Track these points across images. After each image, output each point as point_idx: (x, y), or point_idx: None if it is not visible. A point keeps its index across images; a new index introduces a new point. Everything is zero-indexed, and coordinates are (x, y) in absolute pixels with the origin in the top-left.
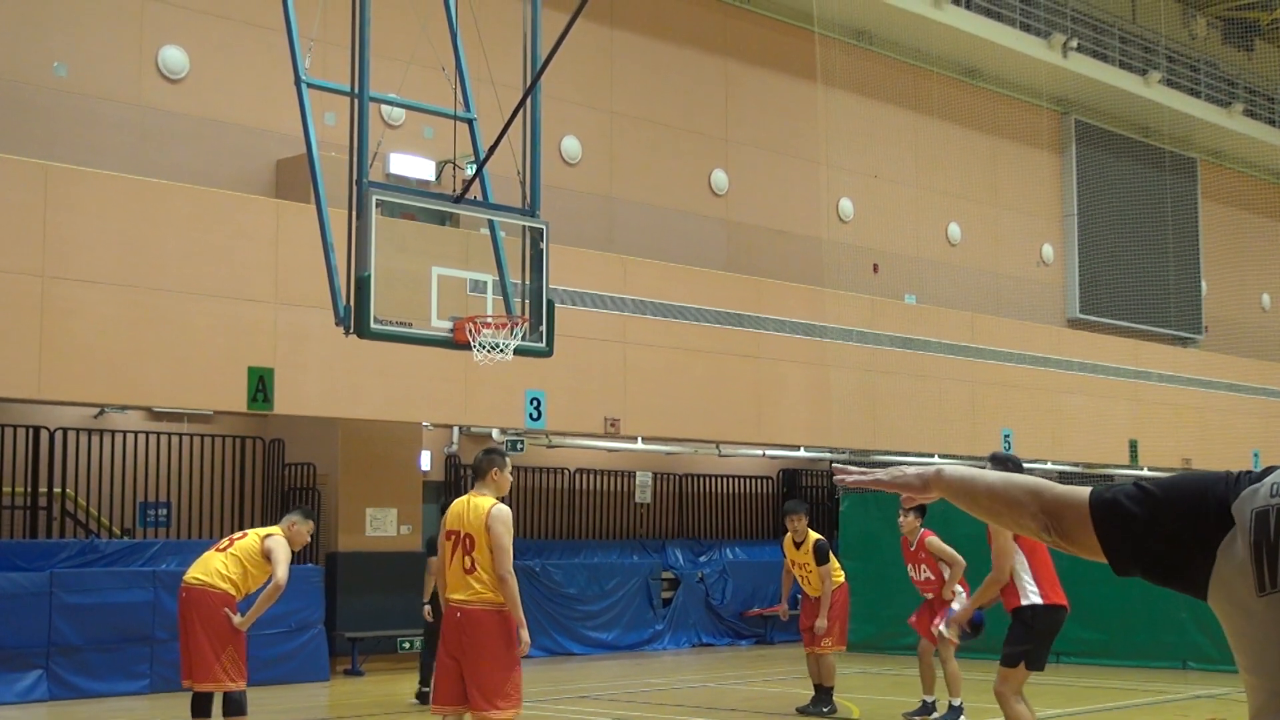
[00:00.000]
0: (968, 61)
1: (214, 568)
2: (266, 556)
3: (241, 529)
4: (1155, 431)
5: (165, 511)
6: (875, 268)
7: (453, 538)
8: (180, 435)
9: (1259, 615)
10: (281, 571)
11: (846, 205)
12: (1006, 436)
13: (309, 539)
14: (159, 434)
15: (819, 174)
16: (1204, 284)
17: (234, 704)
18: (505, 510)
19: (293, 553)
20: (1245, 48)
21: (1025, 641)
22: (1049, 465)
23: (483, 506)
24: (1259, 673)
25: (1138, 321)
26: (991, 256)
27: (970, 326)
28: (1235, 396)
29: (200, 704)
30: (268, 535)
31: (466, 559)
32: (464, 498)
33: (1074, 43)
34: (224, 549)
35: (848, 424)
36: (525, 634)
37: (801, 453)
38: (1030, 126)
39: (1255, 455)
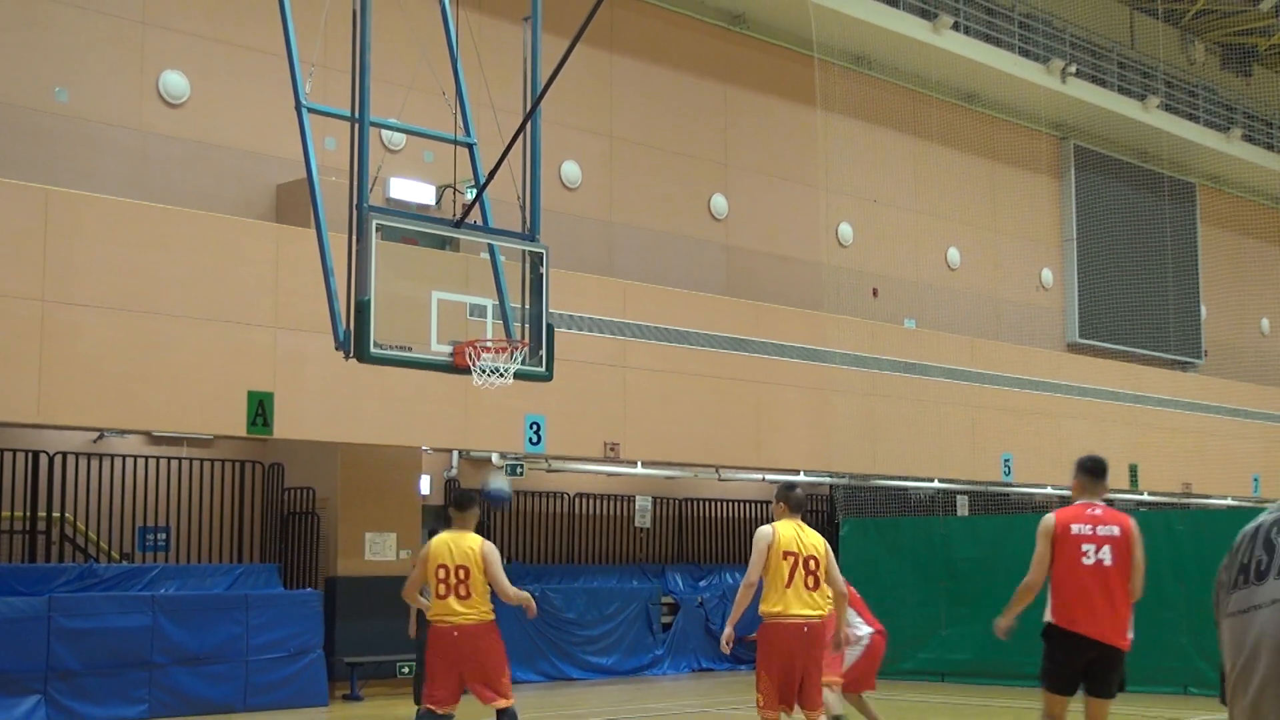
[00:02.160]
0: (966, 86)
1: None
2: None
3: (240, 554)
4: (1155, 456)
5: (164, 536)
6: (875, 292)
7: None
8: (179, 459)
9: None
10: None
11: (846, 230)
12: (1006, 461)
13: None
14: (158, 458)
15: (818, 199)
16: (1203, 308)
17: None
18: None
19: None
20: (1244, 73)
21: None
22: (1049, 489)
23: (473, 542)
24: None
25: (1137, 346)
26: (991, 281)
27: (970, 351)
28: (1235, 421)
29: None
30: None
31: (462, 587)
32: (449, 534)
33: (1073, 68)
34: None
35: (848, 449)
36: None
37: (801, 477)
38: (1029, 151)
39: (1255, 480)
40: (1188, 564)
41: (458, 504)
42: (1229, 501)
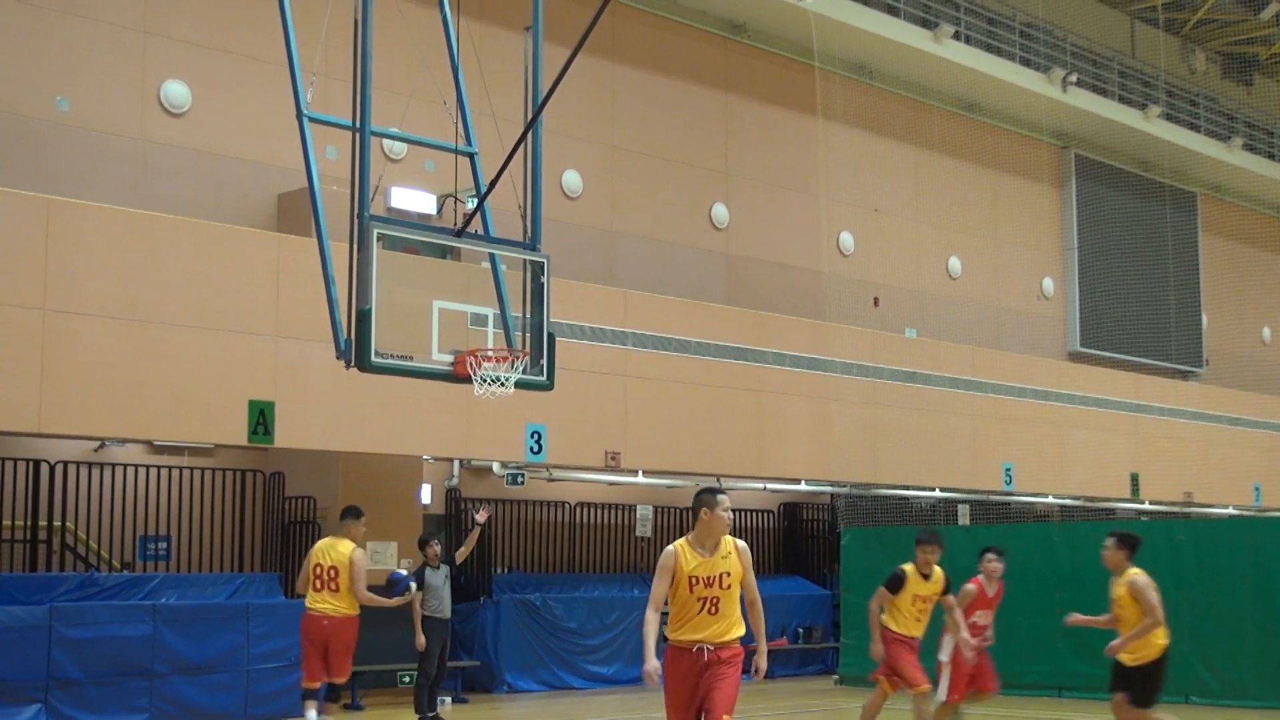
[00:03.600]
0: (967, 96)
1: None
2: None
3: (241, 563)
4: (1156, 465)
5: (165, 545)
6: (876, 301)
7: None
8: (180, 468)
9: None
10: None
11: (847, 239)
12: (1008, 470)
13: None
14: (159, 467)
15: (819, 208)
16: (1204, 317)
17: None
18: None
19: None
20: (1245, 82)
21: None
22: (1050, 499)
23: (345, 549)
24: None
25: (1138, 355)
26: (992, 290)
27: (971, 360)
28: (1236, 430)
29: None
30: None
31: (333, 584)
32: (329, 539)
33: (1073, 77)
34: None
35: (849, 457)
36: None
37: (803, 486)
38: (1030, 160)
39: (1257, 489)
40: (1189, 572)
41: (343, 514)
42: (1230, 510)
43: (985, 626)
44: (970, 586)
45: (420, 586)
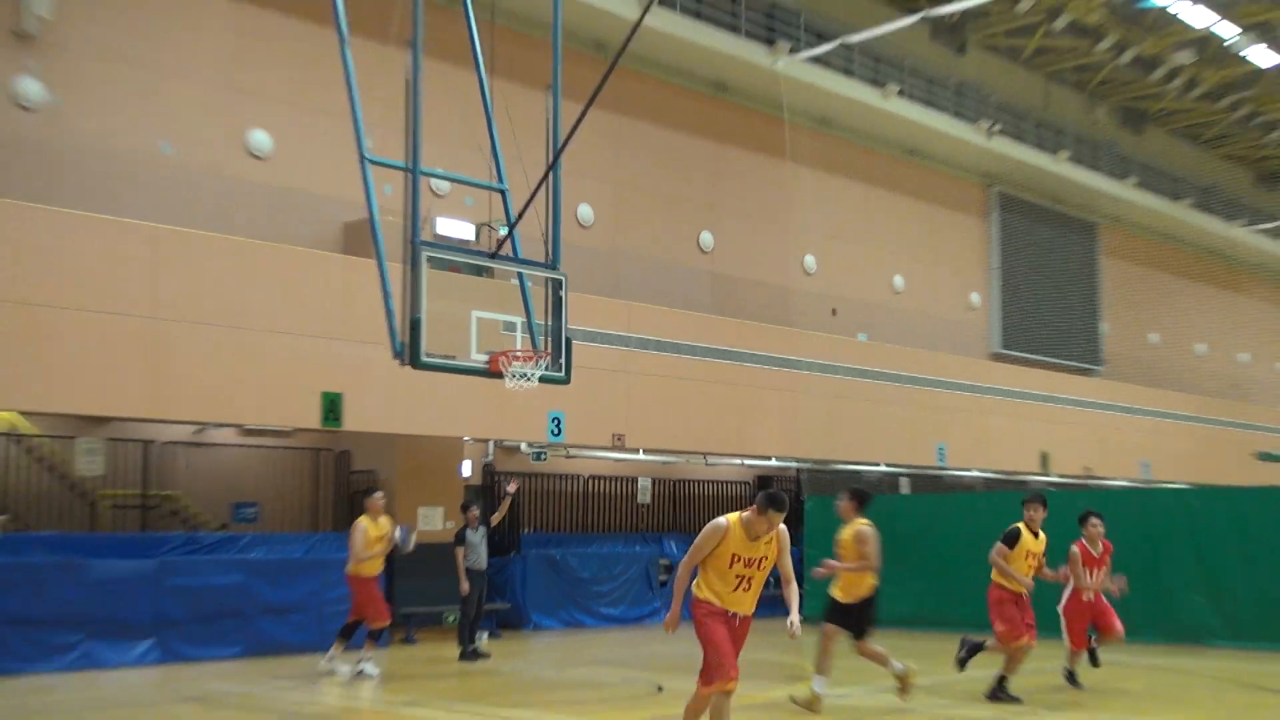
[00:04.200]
0: (909, 143)
1: None
2: None
3: (315, 524)
4: (1063, 445)
5: (254, 510)
6: (834, 312)
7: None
8: (265, 448)
9: None
10: None
11: (810, 261)
12: (941, 449)
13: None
14: (248, 447)
15: (788, 235)
16: (1103, 325)
17: None
18: None
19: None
20: (1138, 131)
21: None
22: (975, 473)
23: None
24: None
25: (1048, 355)
26: (928, 302)
27: (911, 360)
28: (1128, 417)
29: None
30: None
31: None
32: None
33: (997, 127)
34: None
35: (811, 439)
36: None
37: (773, 462)
38: (960, 196)
39: (1145, 465)
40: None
41: (365, 492)
42: (1123, 482)
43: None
44: (1074, 550)
45: (460, 542)
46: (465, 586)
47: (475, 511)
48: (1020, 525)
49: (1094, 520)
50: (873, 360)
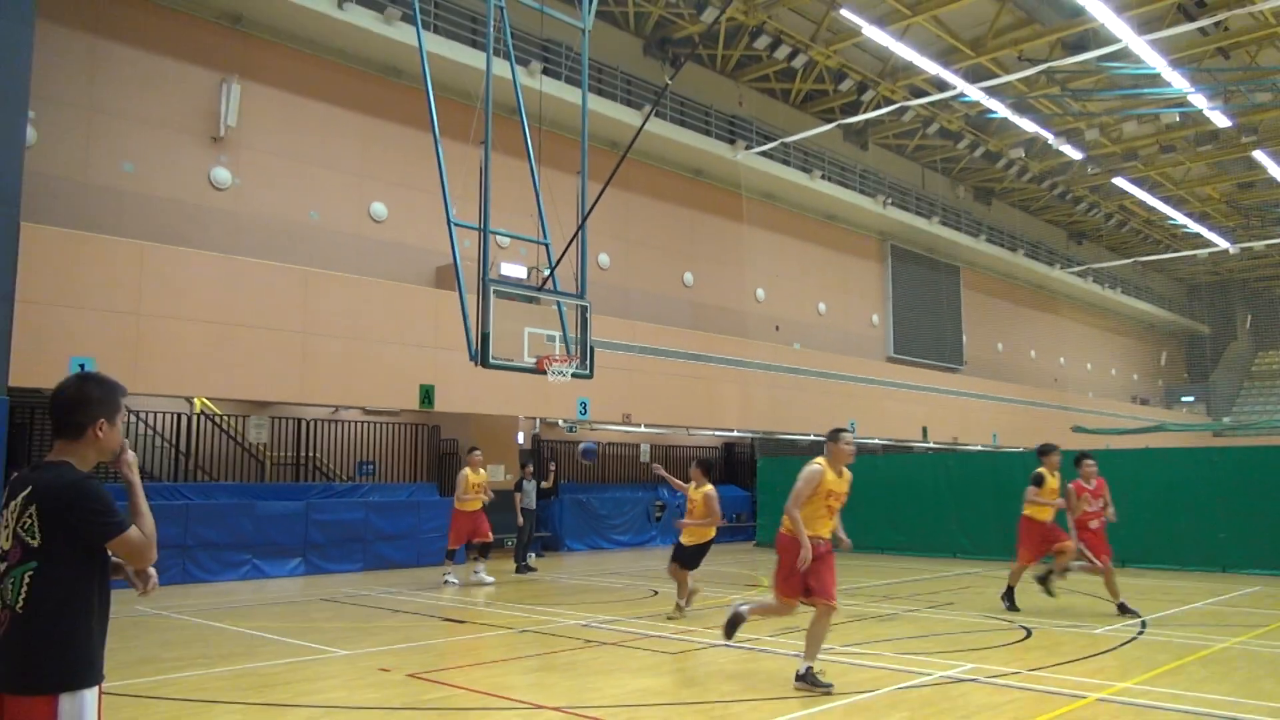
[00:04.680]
0: (830, 211)
1: None
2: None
3: (415, 477)
4: (938, 422)
5: (371, 466)
6: (777, 328)
7: None
8: (381, 423)
9: None
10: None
11: (760, 292)
12: (852, 424)
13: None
14: (369, 422)
15: (744, 274)
16: (965, 336)
17: None
18: None
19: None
20: (987, 203)
21: None
22: (875, 440)
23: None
24: None
25: (926, 358)
26: (842, 321)
27: (831, 361)
28: (982, 401)
29: None
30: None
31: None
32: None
33: (889, 200)
34: None
35: (761, 417)
36: None
37: (735, 433)
38: (865, 248)
39: (994, 436)
40: (956, 485)
41: (470, 450)
42: (979, 447)
43: (1098, 512)
44: (1070, 487)
45: (519, 489)
46: (520, 520)
47: (530, 468)
48: (1042, 470)
49: (1088, 461)
50: (804, 362)
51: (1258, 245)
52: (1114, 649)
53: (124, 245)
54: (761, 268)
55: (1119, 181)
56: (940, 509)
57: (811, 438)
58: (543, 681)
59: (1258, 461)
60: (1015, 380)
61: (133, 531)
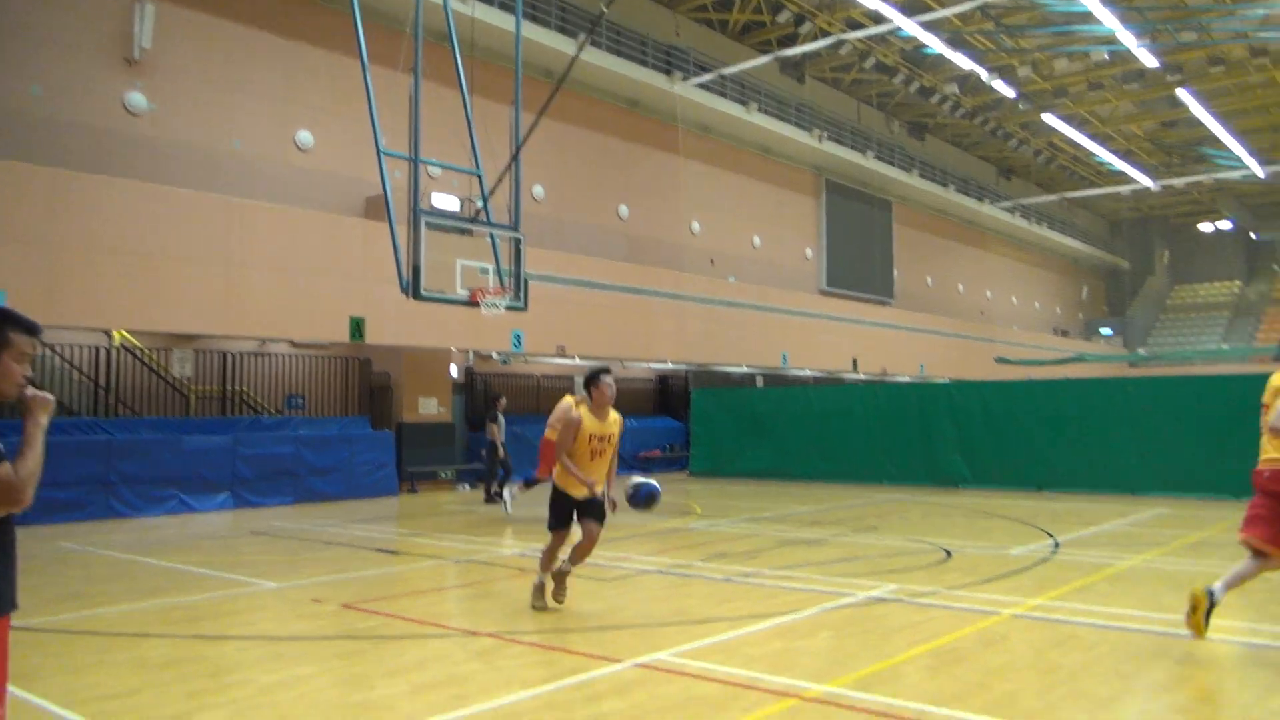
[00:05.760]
0: (764, 144)
1: None
2: None
3: (346, 410)
4: (867, 353)
5: (301, 400)
6: (712, 262)
7: None
8: (310, 356)
9: None
10: None
11: (696, 225)
12: (784, 355)
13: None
14: (297, 355)
15: (680, 207)
16: (896, 270)
17: None
18: None
19: None
20: (920, 138)
21: None
22: (807, 372)
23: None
24: None
25: (858, 290)
26: (776, 254)
27: (765, 294)
28: (911, 333)
29: None
30: None
31: None
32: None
33: (824, 134)
34: None
35: (696, 349)
36: None
37: (669, 365)
38: (800, 182)
39: (922, 366)
40: (885, 413)
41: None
42: (906, 378)
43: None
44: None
45: (494, 421)
46: (501, 453)
47: (503, 400)
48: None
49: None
50: (738, 295)
51: (1178, 182)
52: (1028, 569)
53: (34, 171)
54: (697, 201)
55: (1048, 118)
56: (869, 438)
57: (744, 369)
58: (476, 608)
59: (1168, 391)
60: (943, 313)
61: (3, 468)
